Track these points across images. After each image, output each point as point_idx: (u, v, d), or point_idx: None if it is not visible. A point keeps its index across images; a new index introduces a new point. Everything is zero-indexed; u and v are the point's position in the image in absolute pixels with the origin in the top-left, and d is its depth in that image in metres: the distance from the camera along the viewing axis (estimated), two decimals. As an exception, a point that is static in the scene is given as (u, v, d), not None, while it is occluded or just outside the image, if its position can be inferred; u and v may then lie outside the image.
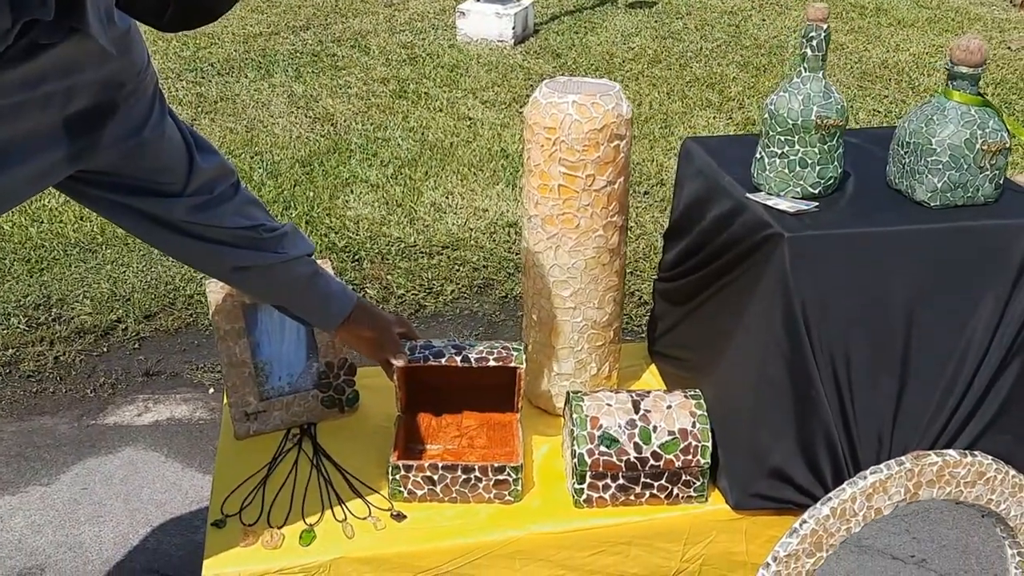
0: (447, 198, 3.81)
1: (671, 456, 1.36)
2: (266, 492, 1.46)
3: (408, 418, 1.52)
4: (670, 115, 4.64)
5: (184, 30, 0.99)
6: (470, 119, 4.61)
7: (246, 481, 1.48)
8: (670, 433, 1.36)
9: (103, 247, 3.51)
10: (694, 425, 1.37)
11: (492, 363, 1.42)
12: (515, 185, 3.92)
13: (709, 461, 1.36)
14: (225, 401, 1.62)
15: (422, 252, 3.45)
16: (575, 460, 1.37)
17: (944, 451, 1.25)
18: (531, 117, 1.44)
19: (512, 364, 1.42)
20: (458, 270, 3.35)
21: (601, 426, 1.38)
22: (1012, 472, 1.29)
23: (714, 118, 4.62)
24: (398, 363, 1.45)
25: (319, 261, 1.47)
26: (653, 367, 1.73)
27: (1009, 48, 5.61)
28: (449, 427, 1.54)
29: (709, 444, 1.36)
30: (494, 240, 3.52)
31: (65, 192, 1.21)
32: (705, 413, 1.37)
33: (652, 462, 1.36)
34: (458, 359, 1.43)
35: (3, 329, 2.99)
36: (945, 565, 1.90)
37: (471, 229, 3.58)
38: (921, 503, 1.27)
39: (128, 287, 3.22)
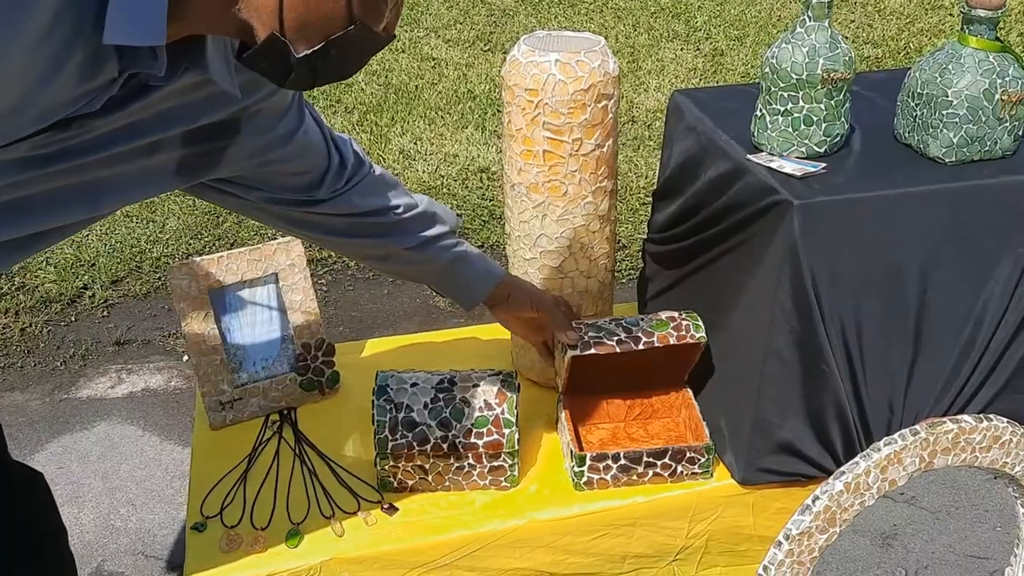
0: (415, 144, 3.67)
1: (664, 332, 1.32)
2: (247, 489, 1.39)
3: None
4: (636, 48, 4.49)
5: (303, 90, 0.88)
6: (434, 59, 4.43)
7: (225, 477, 1.40)
8: (658, 319, 1.34)
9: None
10: (680, 314, 1.35)
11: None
12: (484, 128, 3.79)
13: (704, 335, 1.32)
14: (197, 391, 1.53)
15: (394, 201, 3.33)
16: (564, 364, 1.32)
17: (959, 417, 1.20)
18: (510, 78, 1.32)
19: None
20: (432, 219, 3.24)
21: (587, 323, 1.32)
22: (1027, 434, 1.24)
23: (682, 50, 4.48)
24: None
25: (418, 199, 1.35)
26: (646, 330, 1.66)
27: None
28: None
29: (701, 323, 1.32)
30: (467, 187, 3.40)
31: (187, 191, 1.13)
32: (692, 312, 1.35)
33: (645, 340, 1.31)
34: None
35: (-39, 304, 2.86)
36: (935, 502, 1.89)
37: (442, 176, 3.46)
38: (936, 471, 1.22)
39: (92, 251, 3.08)
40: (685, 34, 4.64)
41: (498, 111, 3.92)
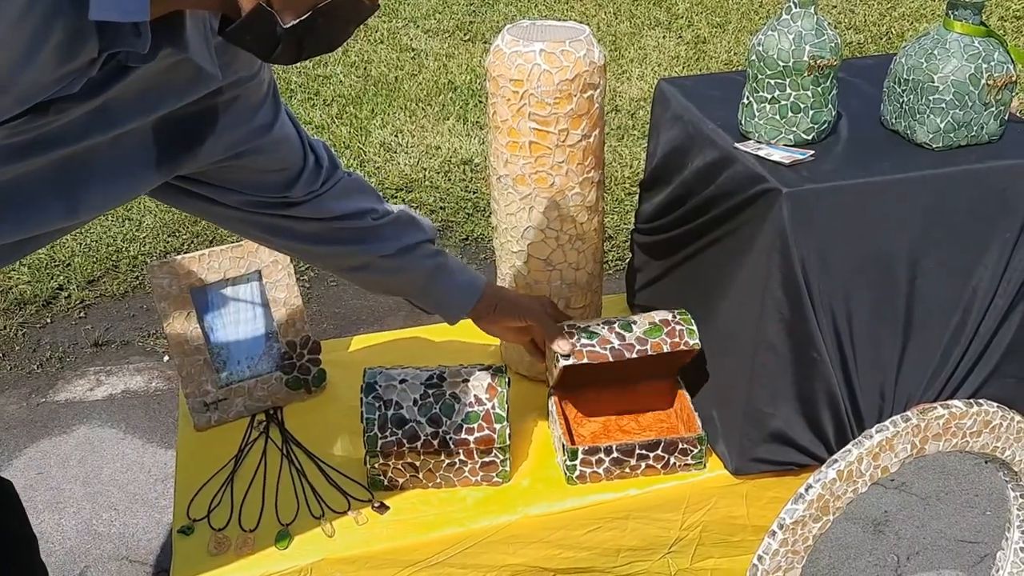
0: (396, 137, 3.65)
1: (657, 339, 1.30)
2: (234, 490, 1.36)
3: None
4: (618, 36, 4.48)
5: (288, 64, 0.84)
6: (413, 50, 4.40)
7: (212, 479, 1.38)
8: (651, 323, 1.32)
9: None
10: (674, 316, 1.32)
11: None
12: (467, 119, 3.76)
13: (698, 345, 1.30)
14: (180, 392, 1.51)
15: (375, 196, 3.30)
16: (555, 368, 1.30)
17: (950, 402, 1.20)
18: (494, 68, 1.31)
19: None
20: (414, 213, 3.22)
21: (580, 327, 1.31)
22: (1017, 417, 1.25)
23: (664, 38, 4.47)
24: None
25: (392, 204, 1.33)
26: (635, 322, 1.65)
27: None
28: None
29: (695, 328, 1.30)
30: (449, 179, 3.38)
31: (164, 200, 1.11)
32: (687, 314, 1.33)
33: (638, 347, 1.29)
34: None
35: (-67, 308, 2.81)
36: (926, 487, 1.90)
37: (424, 169, 3.44)
38: (927, 457, 1.22)
39: (67, 251, 3.03)
40: (667, 22, 4.63)
41: (480, 102, 3.89)
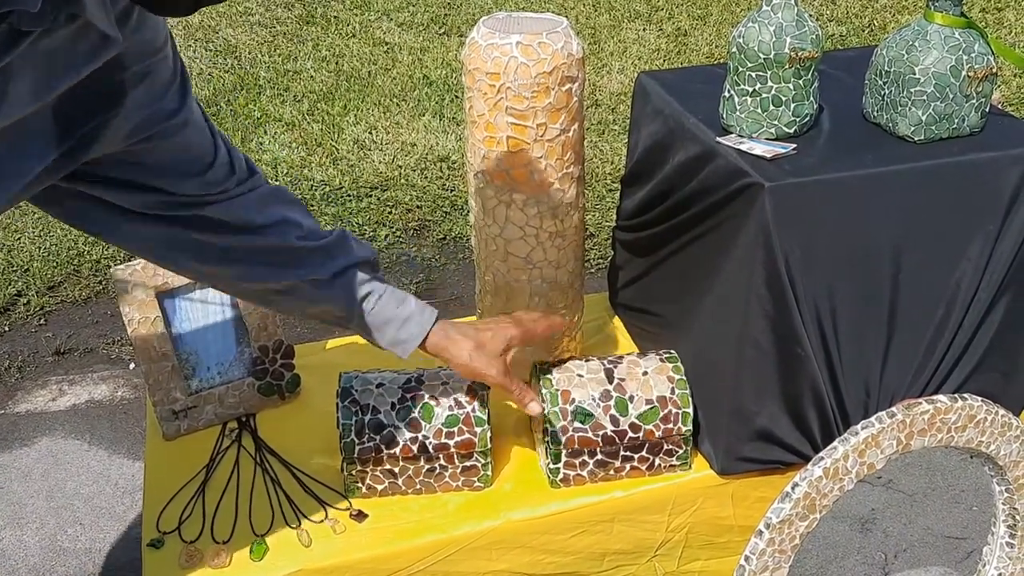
0: (370, 133, 3.59)
1: (651, 427, 1.26)
2: (206, 501, 1.32)
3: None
4: (598, 29, 4.45)
5: (186, 15, 0.78)
6: (386, 44, 4.34)
7: (182, 489, 1.33)
8: (648, 402, 1.27)
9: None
10: (673, 392, 1.27)
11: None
12: (442, 115, 3.72)
13: (691, 428, 1.27)
14: (148, 400, 1.45)
15: (349, 195, 3.25)
16: (548, 439, 1.27)
17: (934, 398, 1.19)
18: (470, 62, 1.27)
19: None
20: (390, 212, 3.16)
21: (573, 400, 1.27)
22: (1001, 411, 1.24)
23: (644, 30, 4.45)
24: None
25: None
26: (617, 320, 1.62)
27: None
28: None
29: (691, 410, 1.26)
30: (426, 177, 3.34)
31: (51, 207, 1.01)
32: (683, 377, 1.28)
33: (631, 434, 1.26)
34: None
35: None
36: (912, 484, 1.89)
37: (400, 166, 3.39)
38: (912, 453, 1.21)
39: (25, 256, 2.94)
40: (647, 14, 4.60)
41: (456, 97, 3.85)
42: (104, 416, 2.43)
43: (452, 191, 3.26)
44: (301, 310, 1.20)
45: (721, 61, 1.22)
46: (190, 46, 4.30)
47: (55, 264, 2.93)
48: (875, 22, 4.58)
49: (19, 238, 3.03)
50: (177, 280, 1.39)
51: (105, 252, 2.97)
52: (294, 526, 1.27)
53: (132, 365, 2.61)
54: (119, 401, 2.49)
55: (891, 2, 4.79)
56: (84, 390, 2.53)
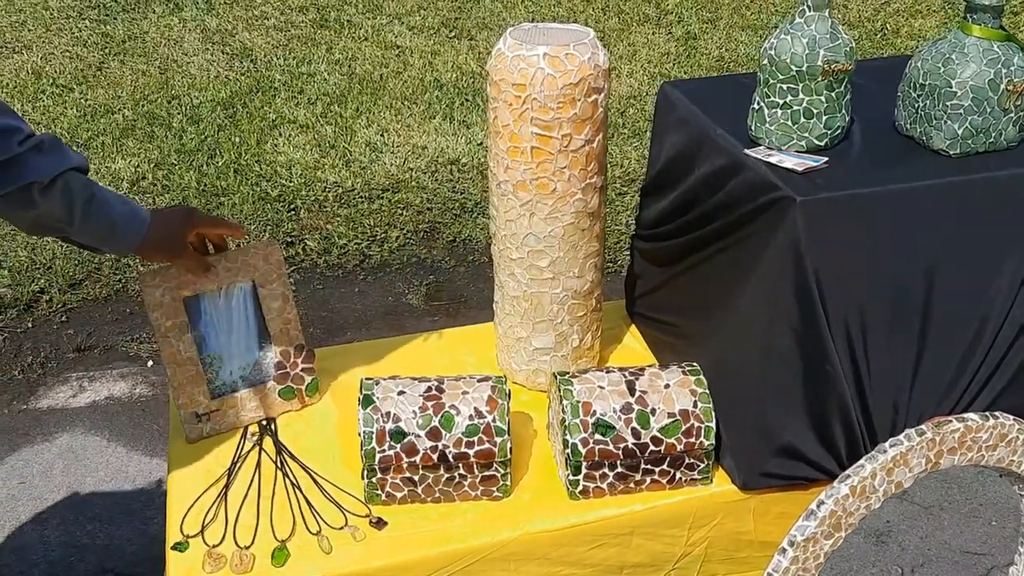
0: (382, 136, 3.60)
1: (672, 440, 1.26)
2: (228, 505, 1.32)
3: None
4: (607, 32, 4.44)
5: None
6: (398, 47, 4.34)
7: (205, 492, 1.34)
8: (670, 415, 1.26)
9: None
10: (695, 405, 1.26)
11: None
12: (453, 118, 3.72)
13: (713, 443, 1.26)
14: (172, 403, 1.46)
15: (361, 197, 3.25)
16: (568, 450, 1.26)
17: (965, 416, 1.18)
18: (496, 72, 1.27)
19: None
20: (401, 214, 3.17)
21: (594, 412, 1.26)
22: (1030, 430, 1.23)
23: (653, 34, 4.43)
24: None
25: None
26: (634, 329, 1.62)
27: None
28: None
29: (713, 425, 1.26)
30: (436, 179, 3.34)
31: None
32: (706, 391, 1.27)
33: (652, 447, 1.26)
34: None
35: (-90, 312, 2.73)
36: (928, 497, 1.88)
37: (411, 169, 3.39)
38: (941, 471, 1.20)
39: (48, 253, 2.96)
40: (656, 17, 4.58)
41: (467, 100, 3.84)
42: (123, 413, 2.44)
43: (462, 194, 3.27)
44: (23, 219, 1.18)
45: (731, 65, 1.21)
46: (207, 49, 4.32)
47: (77, 262, 2.95)
48: (888, 26, 4.55)
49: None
50: (203, 285, 1.39)
51: (125, 250, 2.99)
52: (314, 532, 1.27)
53: (151, 363, 2.62)
54: (138, 398, 2.50)
55: (904, 6, 4.75)
56: (104, 387, 2.54)
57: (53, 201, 1.16)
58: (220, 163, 3.43)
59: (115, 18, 4.64)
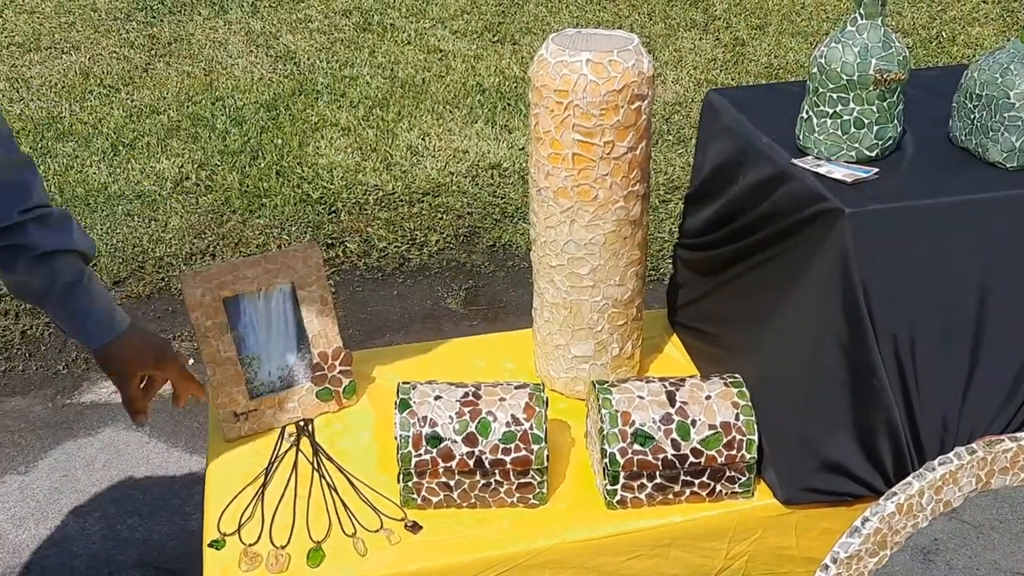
0: (423, 140, 3.61)
1: (713, 452, 1.24)
2: (265, 504, 1.33)
3: None
4: (652, 38, 4.41)
5: None
6: (441, 51, 4.36)
7: (242, 491, 1.35)
8: (711, 427, 1.24)
9: (62, 208, 3.32)
10: (737, 417, 1.24)
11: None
12: (495, 123, 3.72)
13: (755, 456, 1.24)
14: (211, 401, 1.47)
15: (402, 200, 3.27)
16: (606, 460, 1.25)
17: (1018, 435, 1.14)
18: (538, 78, 1.26)
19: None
20: (441, 218, 3.18)
21: (633, 422, 1.25)
22: (1084, 452, 1.19)
23: (700, 39, 4.39)
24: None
25: None
26: (676, 339, 1.60)
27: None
28: None
29: (755, 437, 1.23)
30: (477, 184, 3.34)
31: None
32: (749, 403, 1.25)
33: (692, 459, 1.24)
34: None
35: (-40, 306, 2.79)
36: (979, 515, 1.82)
37: (451, 173, 3.40)
38: (991, 491, 1.16)
39: (92, 251, 3.02)
40: (703, 23, 4.54)
41: (508, 105, 3.84)
42: (164, 409, 2.47)
43: (503, 199, 3.26)
44: (3, 279, 1.22)
45: (780, 72, 1.19)
46: (251, 51, 4.38)
47: (120, 260, 3.00)
48: (943, 34, 4.45)
49: (88, 233, 3.12)
50: (243, 286, 1.40)
51: (168, 250, 3.03)
52: (349, 534, 1.27)
53: (191, 361, 2.65)
54: (178, 396, 2.53)
55: (961, 13, 4.65)
56: (145, 384, 2.58)
57: (34, 275, 1.19)
58: (262, 165, 3.46)
59: (161, 20, 4.72)
